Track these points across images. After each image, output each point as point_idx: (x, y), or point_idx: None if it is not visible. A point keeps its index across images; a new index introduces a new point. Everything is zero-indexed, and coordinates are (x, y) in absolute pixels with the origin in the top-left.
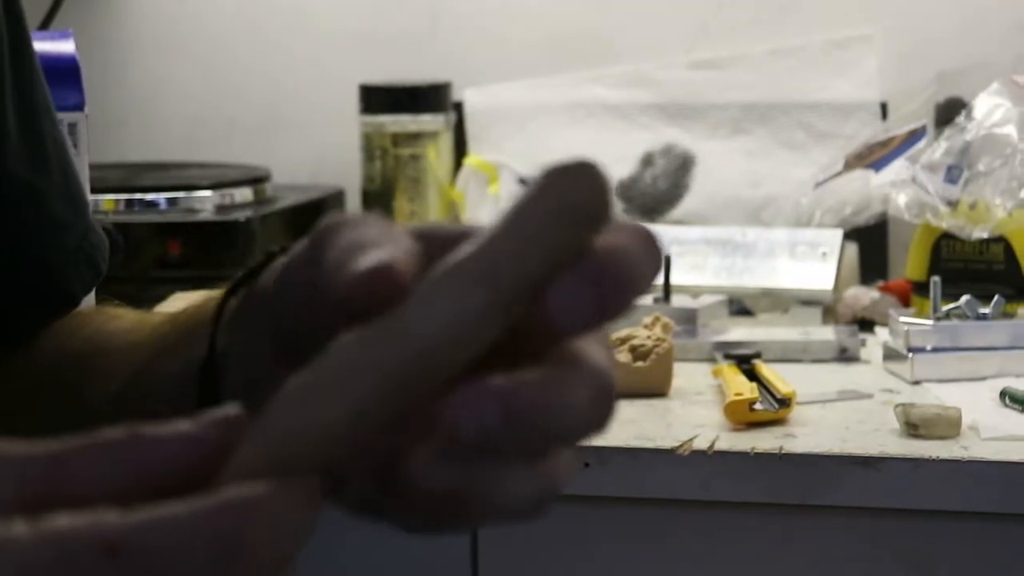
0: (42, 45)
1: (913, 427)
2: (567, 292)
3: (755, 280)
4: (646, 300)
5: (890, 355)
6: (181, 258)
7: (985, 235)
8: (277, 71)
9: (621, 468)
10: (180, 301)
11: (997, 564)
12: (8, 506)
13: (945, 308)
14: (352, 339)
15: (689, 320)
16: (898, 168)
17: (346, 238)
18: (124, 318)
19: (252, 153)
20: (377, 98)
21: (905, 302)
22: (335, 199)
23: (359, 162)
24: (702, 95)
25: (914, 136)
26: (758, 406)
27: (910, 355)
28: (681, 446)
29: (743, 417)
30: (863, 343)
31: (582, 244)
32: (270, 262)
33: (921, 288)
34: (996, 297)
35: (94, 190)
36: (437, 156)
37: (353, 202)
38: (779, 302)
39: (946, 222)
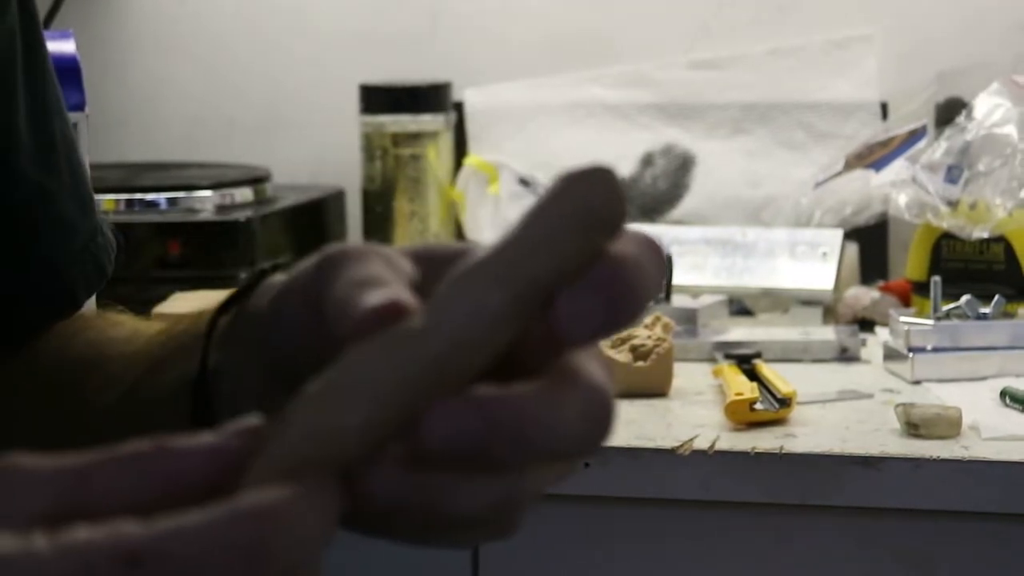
0: None
1: (913, 427)
2: (577, 300)
3: (755, 280)
4: None
5: (890, 355)
6: (181, 258)
7: (985, 235)
8: (277, 71)
9: (621, 468)
10: (180, 301)
11: (997, 564)
12: (31, 520)
13: (945, 308)
14: (369, 344)
15: (689, 320)
16: (898, 168)
17: (352, 273)
18: (123, 325)
19: (252, 153)
20: (377, 98)
21: (905, 302)
22: (335, 199)
23: (359, 162)
24: (702, 95)
25: (914, 136)
26: (758, 406)
27: (910, 355)
28: (681, 446)
29: (743, 417)
30: (863, 343)
31: (597, 249)
32: (263, 280)
33: (921, 288)
34: (996, 297)
35: (94, 190)
36: (437, 156)
37: (353, 202)
38: (779, 302)
39: (946, 222)
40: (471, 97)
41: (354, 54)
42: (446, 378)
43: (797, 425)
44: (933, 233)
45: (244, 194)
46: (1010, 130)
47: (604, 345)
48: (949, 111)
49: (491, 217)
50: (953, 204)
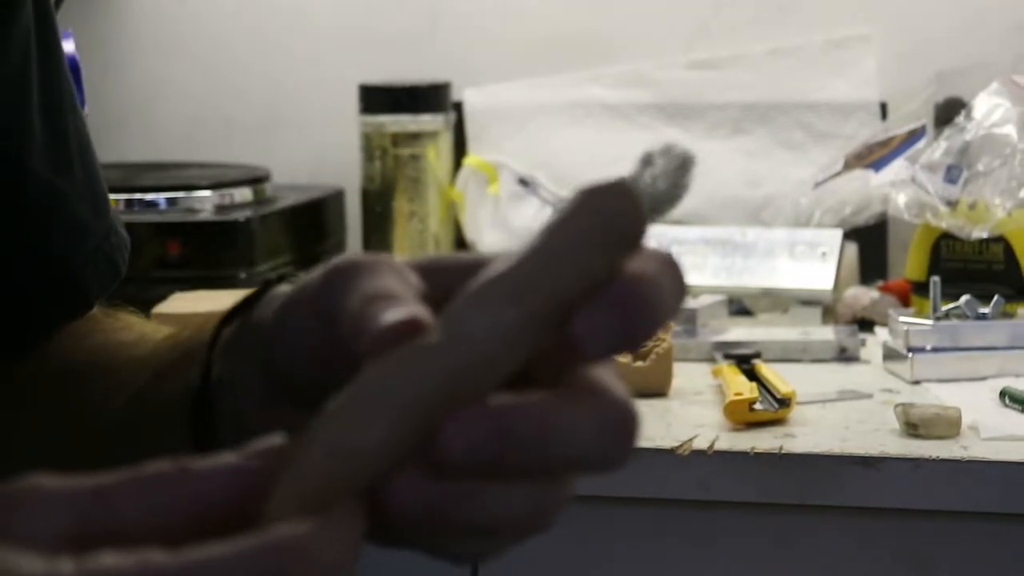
0: None
1: (913, 427)
2: (595, 316)
3: (755, 280)
4: None
5: (890, 355)
6: (181, 258)
7: (985, 235)
8: (277, 71)
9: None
10: (179, 301)
11: (997, 564)
12: (54, 542)
13: (945, 308)
14: (387, 360)
15: (689, 320)
16: (898, 168)
17: (366, 286)
18: (131, 329)
19: (252, 153)
20: (377, 98)
21: (905, 302)
22: (335, 199)
23: (359, 162)
24: (701, 95)
25: (914, 136)
26: (758, 406)
27: (910, 355)
28: (681, 446)
29: (743, 417)
30: (863, 343)
31: (616, 263)
32: (269, 290)
33: (921, 288)
34: (996, 297)
35: None
36: (437, 156)
37: (353, 202)
38: (779, 302)
39: (946, 222)
40: (471, 97)
41: (354, 54)
42: (463, 393)
43: (796, 425)
44: (932, 233)
45: (244, 194)
46: (1009, 130)
47: None
48: (948, 111)
49: (491, 217)
50: (952, 204)
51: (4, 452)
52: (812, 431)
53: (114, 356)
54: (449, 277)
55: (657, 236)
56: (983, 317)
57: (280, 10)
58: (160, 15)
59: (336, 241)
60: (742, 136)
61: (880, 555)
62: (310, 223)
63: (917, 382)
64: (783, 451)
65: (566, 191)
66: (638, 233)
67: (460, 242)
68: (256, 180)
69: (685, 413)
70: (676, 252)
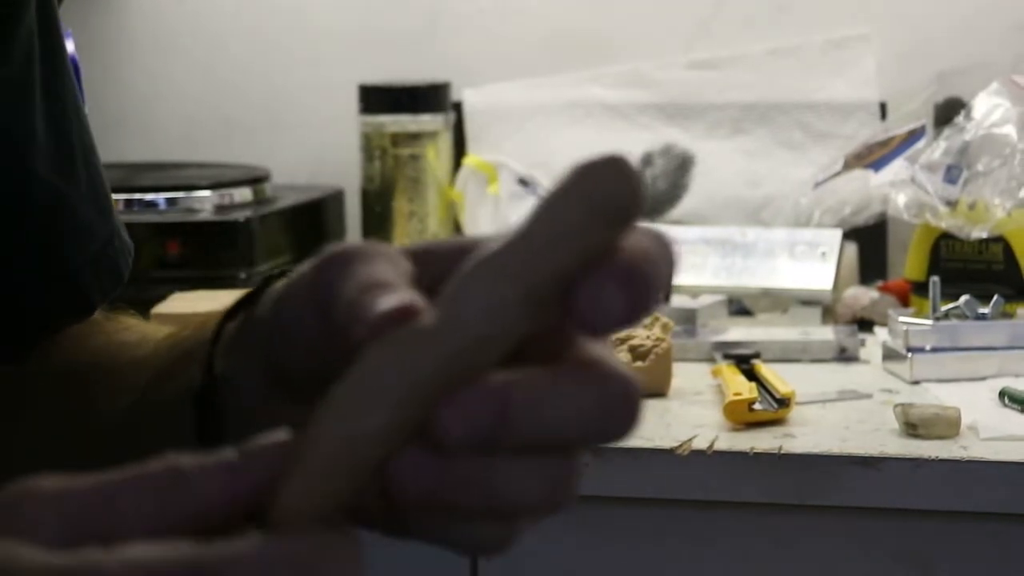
0: None
1: (912, 427)
2: (601, 293)
3: (754, 280)
4: None
5: (889, 355)
6: (180, 258)
7: (984, 235)
8: (277, 71)
9: (621, 468)
10: (179, 301)
11: (997, 564)
12: (54, 541)
13: (944, 308)
14: (384, 346)
15: (688, 320)
16: (897, 168)
17: (359, 274)
18: (132, 330)
19: (251, 153)
20: (376, 98)
21: (904, 302)
22: (334, 199)
23: (359, 162)
24: (701, 95)
25: (913, 136)
26: (757, 406)
27: (909, 355)
28: (680, 446)
29: (742, 417)
30: (862, 343)
31: (613, 237)
32: (269, 286)
33: (920, 288)
34: (995, 297)
35: None
36: (436, 156)
37: (353, 202)
38: (778, 302)
39: (945, 222)
40: (470, 97)
41: (353, 54)
42: (461, 374)
43: (796, 425)
44: (932, 233)
45: (243, 194)
46: (1009, 130)
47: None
48: (948, 111)
49: (490, 217)
50: (952, 204)
51: (6, 453)
52: (812, 431)
53: (116, 357)
54: (442, 262)
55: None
56: (983, 317)
57: (280, 10)
58: (159, 15)
59: (336, 241)
60: (742, 136)
61: (880, 555)
62: (310, 223)
63: (917, 382)
64: (783, 451)
65: None
66: (635, 208)
67: None
68: (256, 180)
69: (685, 413)
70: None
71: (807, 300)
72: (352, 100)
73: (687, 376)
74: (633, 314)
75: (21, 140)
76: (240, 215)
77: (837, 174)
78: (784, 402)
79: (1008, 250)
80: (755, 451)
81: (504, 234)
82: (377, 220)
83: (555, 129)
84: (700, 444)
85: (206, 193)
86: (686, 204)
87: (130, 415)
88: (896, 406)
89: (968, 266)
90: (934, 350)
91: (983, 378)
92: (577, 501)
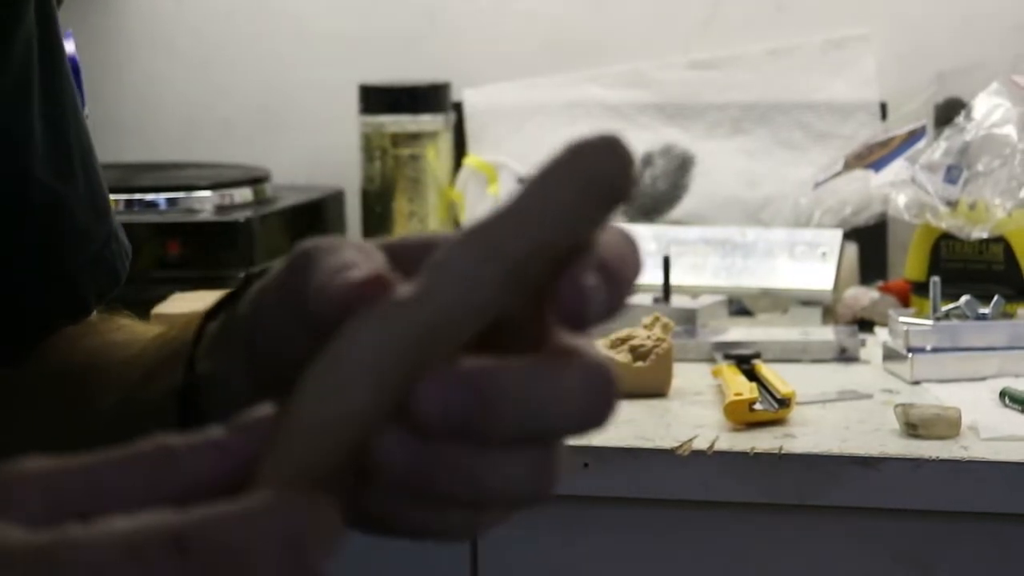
0: None
1: (913, 427)
2: (584, 282)
3: (754, 280)
4: (646, 300)
5: (890, 355)
6: (180, 258)
7: (984, 235)
8: (276, 71)
9: (621, 468)
10: (179, 302)
11: (997, 564)
12: (41, 521)
13: (945, 308)
14: (362, 320)
15: (689, 320)
16: (898, 168)
17: (328, 262)
18: (123, 330)
19: (251, 153)
20: (376, 98)
21: (905, 302)
22: (335, 199)
23: (359, 162)
24: (701, 95)
25: (914, 136)
26: (758, 406)
27: (910, 355)
28: (681, 446)
29: (743, 417)
30: (863, 343)
31: (603, 217)
32: (250, 285)
33: (921, 288)
34: (996, 297)
35: None
36: (436, 156)
37: (353, 202)
38: (779, 302)
39: (946, 222)
40: (470, 97)
41: (353, 54)
42: (442, 349)
43: (796, 425)
44: (932, 233)
45: (243, 194)
46: (1009, 130)
47: (603, 345)
48: (948, 111)
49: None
50: (952, 204)
51: (3, 454)
52: (812, 431)
53: (106, 356)
54: (416, 257)
55: (657, 236)
56: (983, 317)
57: (280, 11)
58: (158, 15)
59: None
60: (742, 136)
61: (880, 555)
62: (310, 223)
63: (917, 382)
64: (783, 451)
65: None
66: (627, 187)
67: None
68: (256, 180)
69: (685, 413)
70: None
71: (807, 300)
72: (352, 100)
73: (687, 376)
74: (612, 309)
75: (19, 142)
76: (240, 215)
77: (837, 174)
78: (784, 402)
79: (1008, 250)
80: (755, 451)
81: (493, 209)
82: (377, 220)
83: (555, 129)
84: (700, 444)
85: (206, 193)
86: (686, 204)
87: (117, 414)
88: (896, 406)
89: (968, 266)
90: (934, 350)
91: (983, 378)
92: (554, 495)
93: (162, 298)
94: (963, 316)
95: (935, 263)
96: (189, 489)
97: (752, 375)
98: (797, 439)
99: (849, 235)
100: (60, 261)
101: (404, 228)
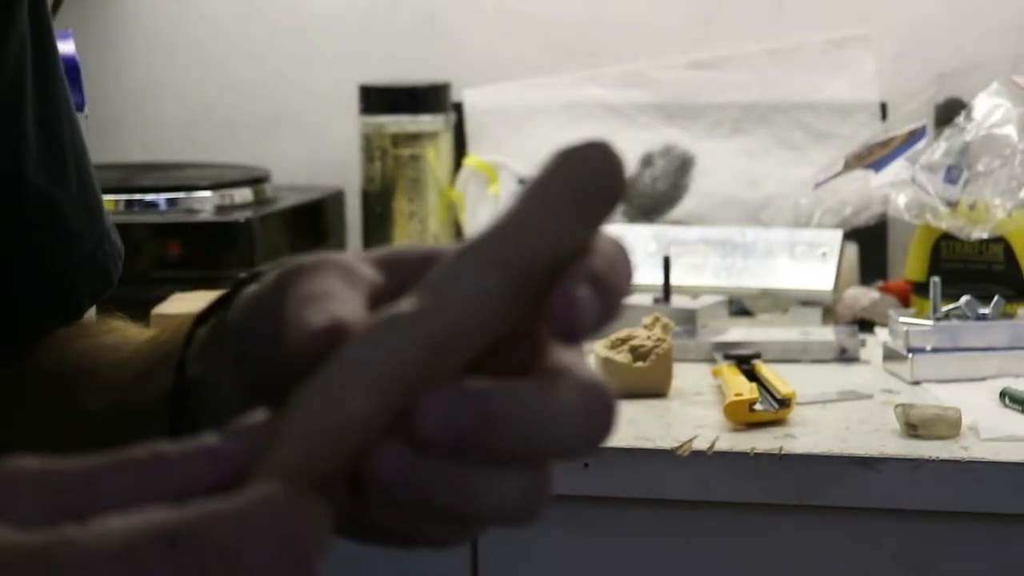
0: None
1: (913, 427)
2: (576, 293)
3: (755, 280)
4: (646, 300)
5: (890, 355)
6: (181, 258)
7: (985, 235)
8: (276, 71)
9: (621, 468)
10: (179, 302)
11: (997, 564)
12: (32, 522)
13: (945, 308)
14: (368, 331)
15: (689, 320)
16: (898, 168)
17: (302, 289)
18: (115, 332)
19: (251, 154)
20: (376, 98)
21: (905, 302)
22: (335, 199)
23: (359, 162)
24: (701, 95)
25: (914, 136)
26: (758, 406)
27: (910, 355)
28: (681, 446)
29: (743, 417)
30: (863, 343)
31: (599, 223)
32: (240, 290)
33: (921, 288)
34: (996, 297)
35: None
36: (437, 156)
37: (353, 202)
38: (779, 302)
39: (946, 222)
40: (470, 97)
41: (353, 54)
42: (445, 365)
43: (796, 426)
44: (932, 234)
45: (243, 194)
46: (1009, 130)
47: (603, 345)
48: (948, 111)
49: (491, 217)
50: (952, 204)
51: None
52: (812, 432)
53: (97, 359)
54: (408, 268)
55: (657, 236)
56: (983, 318)
57: (280, 11)
58: (159, 16)
59: (336, 242)
60: (741, 136)
61: (880, 555)
62: (310, 224)
63: (917, 382)
64: (783, 452)
65: None
66: (619, 190)
67: None
68: (256, 180)
69: (685, 414)
70: (676, 252)
71: (807, 300)
72: (352, 100)
73: (687, 376)
74: (604, 320)
75: (13, 144)
76: (240, 215)
77: (837, 174)
78: (785, 402)
79: (1008, 250)
80: (756, 451)
81: (491, 221)
82: (377, 221)
83: (555, 129)
84: (701, 444)
85: (206, 193)
86: (686, 204)
87: (109, 417)
88: (897, 406)
89: (968, 266)
90: (935, 350)
91: (983, 378)
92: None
93: (162, 298)
94: (963, 316)
95: (935, 263)
96: (183, 496)
97: (752, 375)
98: (797, 439)
99: (849, 235)
100: (53, 263)
101: (404, 228)
